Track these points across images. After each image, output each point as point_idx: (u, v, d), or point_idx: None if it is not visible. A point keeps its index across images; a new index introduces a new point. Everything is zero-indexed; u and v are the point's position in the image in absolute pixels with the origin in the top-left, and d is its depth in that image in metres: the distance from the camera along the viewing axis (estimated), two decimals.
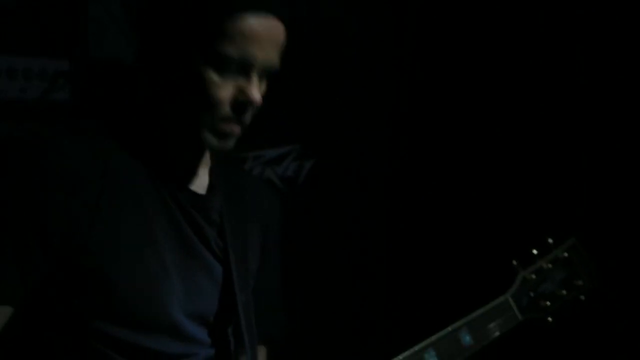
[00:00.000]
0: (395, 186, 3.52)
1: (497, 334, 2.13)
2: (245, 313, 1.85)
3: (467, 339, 2.09)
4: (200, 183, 1.82)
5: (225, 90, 1.67)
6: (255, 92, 1.68)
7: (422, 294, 3.39)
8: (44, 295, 1.66)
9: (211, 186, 1.83)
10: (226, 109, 1.68)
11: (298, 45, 3.25)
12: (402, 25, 3.49)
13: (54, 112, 2.83)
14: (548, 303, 2.20)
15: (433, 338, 2.06)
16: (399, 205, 3.52)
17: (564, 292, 2.22)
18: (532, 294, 2.19)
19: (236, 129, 1.71)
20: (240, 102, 1.68)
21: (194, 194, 1.79)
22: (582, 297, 2.24)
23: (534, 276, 2.20)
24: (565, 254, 2.24)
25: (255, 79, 1.68)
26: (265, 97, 1.73)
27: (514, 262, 2.20)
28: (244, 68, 1.67)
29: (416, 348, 2.03)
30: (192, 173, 1.80)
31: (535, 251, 2.22)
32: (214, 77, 1.66)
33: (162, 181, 1.75)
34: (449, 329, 2.08)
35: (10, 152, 1.66)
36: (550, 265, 2.22)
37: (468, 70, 3.37)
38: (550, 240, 2.23)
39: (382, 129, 3.50)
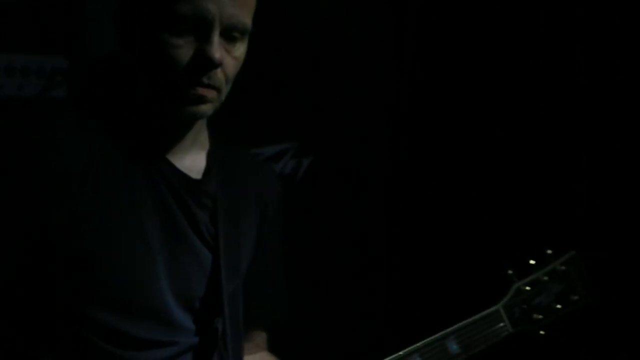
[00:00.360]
0: (394, 184, 3.51)
1: (485, 344, 2.10)
2: (231, 305, 1.82)
3: (454, 347, 2.06)
4: (196, 167, 1.79)
5: (183, 51, 1.64)
6: (214, 50, 1.63)
7: (422, 294, 3.38)
8: (27, 279, 1.66)
9: (207, 170, 1.81)
10: (187, 71, 1.64)
11: (297, 43, 3.29)
12: (402, 25, 3.49)
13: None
14: (541, 316, 2.16)
15: (419, 344, 2.04)
16: (398, 203, 3.51)
17: (559, 306, 2.17)
18: (525, 306, 2.15)
19: (207, 93, 1.67)
20: (199, 63, 1.64)
21: (187, 177, 1.76)
22: (576, 312, 2.20)
23: (528, 288, 2.16)
24: (563, 267, 2.19)
25: (215, 38, 1.64)
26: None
27: (510, 272, 2.16)
28: (202, 27, 1.64)
29: (401, 353, 2.02)
30: (186, 156, 1.77)
31: (532, 262, 2.18)
32: (170, 39, 1.63)
33: (154, 164, 1.73)
34: (437, 336, 2.06)
35: None
36: (546, 278, 2.17)
37: (468, 70, 3.36)
38: (549, 251, 2.19)
39: (381, 126, 3.49)
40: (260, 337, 2.02)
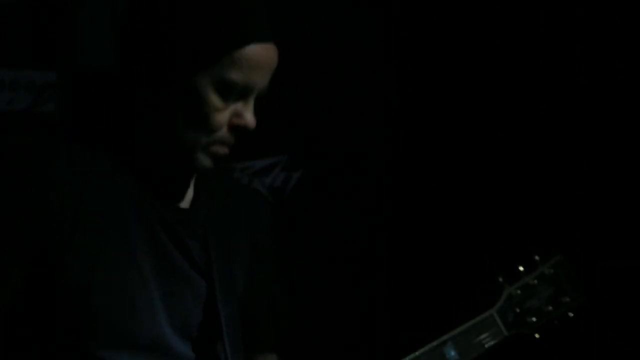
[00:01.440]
0: (384, 197, 3.50)
1: (482, 349, 2.13)
2: (229, 328, 1.83)
3: (452, 354, 2.09)
4: (184, 196, 1.81)
5: (224, 114, 1.70)
6: (252, 116, 1.71)
7: (414, 304, 3.38)
8: (22, 313, 1.67)
9: (195, 198, 1.83)
10: (223, 133, 1.71)
11: (287, 57, 3.27)
12: (393, 37, 3.48)
13: (41, 124, 2.85)
14: (534, 319, 2.20)
15: (417, 353, 2.06)
16: (389, 215, 3.50)
17: (550, 308, 2.21)
18: (517, 310, 2.19)
19: (226, 151, 1.74)
20: (237, 126, 1.71)
21: (177, 208, 1.79)
22: (570, 314, 2.24)
23: (519, 292, 2.20)
24: (552, 271, 2.23)
25: (251, 104, 1.71)
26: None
27: (500, 279, 2.21)
28: (244, 93, 1.70)
29: None
30: (175, 187, 1.80)
31: (521, 268, 2.22)
32: (217, 102, 1.68)
33: (144, 196, 1.75)
34: (434, 343, 2.08)
35: None
36: (536, 282, 2.22)
37: (468, 75, 3.35)
38: (536, 257, 2.23)
39: (371, 139, 3.50)
40: (272, 358, 2.01)
